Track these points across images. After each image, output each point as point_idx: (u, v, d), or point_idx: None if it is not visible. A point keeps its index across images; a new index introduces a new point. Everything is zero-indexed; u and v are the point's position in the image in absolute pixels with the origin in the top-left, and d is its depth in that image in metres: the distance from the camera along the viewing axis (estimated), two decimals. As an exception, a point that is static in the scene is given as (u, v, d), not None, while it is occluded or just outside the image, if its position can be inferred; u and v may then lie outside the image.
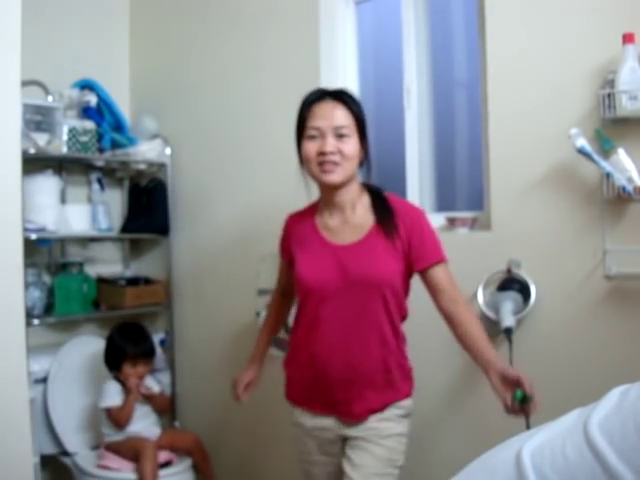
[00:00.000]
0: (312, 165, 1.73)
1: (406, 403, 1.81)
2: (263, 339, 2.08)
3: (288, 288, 2.01)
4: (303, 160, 1.78)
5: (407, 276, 1.79)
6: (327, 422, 1.80)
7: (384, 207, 1.78)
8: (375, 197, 1.81)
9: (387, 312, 1.74)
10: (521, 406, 1.56)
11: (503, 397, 1.60)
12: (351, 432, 1.77)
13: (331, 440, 1.81)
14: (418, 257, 1.75)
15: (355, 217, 1.78)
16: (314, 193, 1.88)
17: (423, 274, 1.77)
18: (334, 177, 1.71)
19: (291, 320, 2.20)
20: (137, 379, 2.60)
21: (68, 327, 2.98)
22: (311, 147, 1.73)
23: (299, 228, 1.87)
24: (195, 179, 3.02)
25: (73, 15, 3.05)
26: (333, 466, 1.82)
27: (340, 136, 1.71)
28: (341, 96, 1.76)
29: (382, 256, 1.72)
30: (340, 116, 1.72)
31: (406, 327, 1.85)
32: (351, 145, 1.72)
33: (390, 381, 1.77)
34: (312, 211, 1.88)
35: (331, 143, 1.70)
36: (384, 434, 1.75)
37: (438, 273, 1.75)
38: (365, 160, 1.81)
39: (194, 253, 3.04)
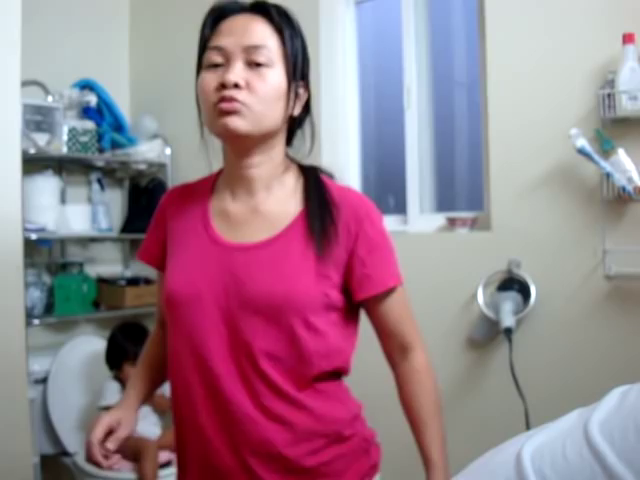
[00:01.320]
0: (208, 107, 1.09)
1: None
2: (141, 380, 1.31)
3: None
4: (200, 103, 1.13)
5: (346, 307, 1.14)
6: None
7: (319, 193, 1.14)
8: (308, 178, 1.18)
9: (300, 359, 1.09)
10: None
11: None
12: None
13: None
14: (363, 278, 1.12)
15: (271, 203, 1.15)
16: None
17: (367, 305, 1.16)
18: (237, 122, 1.06)
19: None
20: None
21: (68, 327, 2.98)
22: (209, 79, 1.08)
23: (182, 212, 1.22)
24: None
25: (73, 15, 3.05)
26: None
27: (255, 65, 1.07)
28: (263, 7, 1.12)
29: (301, 266, 1.09)
30: (257, 32, 1.09)
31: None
32: (271, 79, 1.08)
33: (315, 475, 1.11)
34: (206, 188, 1.24)
35: (237, 72, 1.06)
36: None
37: (390, 305, 1.15)
38: (303, 118, 1.19)
39: (194, 253, 3.03)
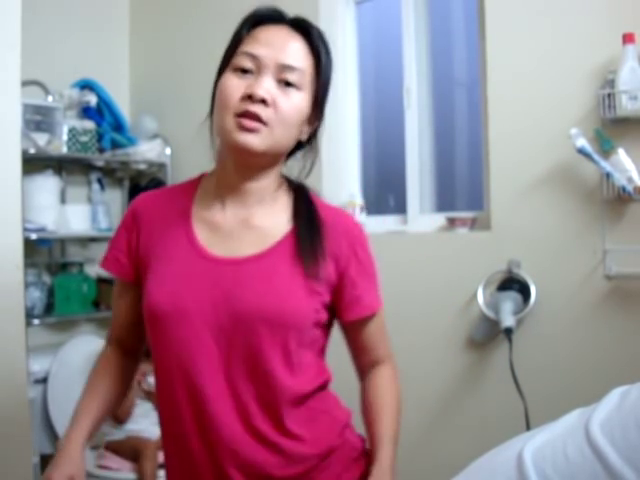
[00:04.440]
0: (226, 114, 1.04)
1: None
2: (88, 412, 1.15)
3: (130, 336, 1.20)
4: (215, 104, 1.10)
5: (327, 325, 1.14)
6: None
7: (309, 212, 1.13)
8: (298, 196, 1.16)
9: (292, 375, 1.07)
10: None
11: None
12: None
13: None
14: (354, 300, 1.12)
15: (262, 217, 1.12)
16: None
17: (350, 325, 1.16)
18: (254, 140, 1.03)
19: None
20: (140, 376, 2.62)
21: (68, 327, 2.98)
22: (235, 85, 1.04)
23: (160, 220, 1.14)
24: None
25: (73, 15, 3.05)
26: None
27: (285, 84, 1.05)
28: (305, 26, 1.10)
29: (291, 282, 1.07)
30: (295, 52, 1.06)
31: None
32: (296, 102, 1.06)
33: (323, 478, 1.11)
34: (187, 193, 1.17)
35: (267, 87, 1.03)
36: None
37: (372, 326, 1.17)
38: (309, 143, 1.16)
39: (194, 253, 3.03)
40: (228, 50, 1.09)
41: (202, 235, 1.11)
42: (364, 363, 1.19)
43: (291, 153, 1.16)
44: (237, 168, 1.10)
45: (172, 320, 1.06)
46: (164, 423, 1.13)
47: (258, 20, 1.09)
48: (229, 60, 1.08)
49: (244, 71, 1.05)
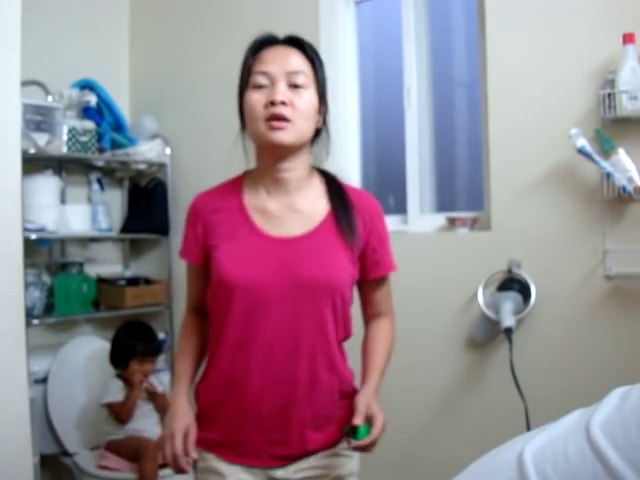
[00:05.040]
0: (258, 121, 1.32)
1: None
2: (187, 372, 1.46)
3: (203, 303, 1.47)
4: (246, 117, 1.37)
5: (353, 285, 1.44)
6: (256, 473, 1.39)
7: (341, 195, 1.42)
8: (329, 182, 1.45)
9: (336, 326, 1.38)
10: (350, 436, 1.30)
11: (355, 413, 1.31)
12: (288, 474, 1.39)
13: None
14: (374, 263, 1.43)
15: (303, 202, 1.39)
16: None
17: (367, 283, 1.46)
18: (284, 136, 1.30)
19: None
20: (141, 375, 2.62)
21: (68, 327, 2.98)
22: (257, 98, 1.32)
23: (218, 212, 1.42)
24: (195, 179, 3.01)
25: (73, 15, 3.05)
26: None
27: (295, 86, 1.33)
28: (297, 41, 1.40)
29: (336, 255, 1.37)
30: (295, 61, 1.36)
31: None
32: (307, 98, 1.34)
33: (339, 414, 1.41)
34: (236, 188, 1.44)
35: (283, 91, 1.31)
36: (333, 475, 1.40)
37: (383, 284, 1.47)
38: (322, 131, 1.44)
39: (194, 253, 3.03)
40: (242, 74, 1.38)
41: (258, 220, 1.38)
42: (370, 313, 1.49)
43: (312, 141, 1.43)
44: (274, 161, 1.37)
45: (244, 288, 1.33)
46: (226, 371, 1.37)
47: (260, 45, 1.39)
48: (246, 82, 1.37)
49: (260, 87, 1.33)
